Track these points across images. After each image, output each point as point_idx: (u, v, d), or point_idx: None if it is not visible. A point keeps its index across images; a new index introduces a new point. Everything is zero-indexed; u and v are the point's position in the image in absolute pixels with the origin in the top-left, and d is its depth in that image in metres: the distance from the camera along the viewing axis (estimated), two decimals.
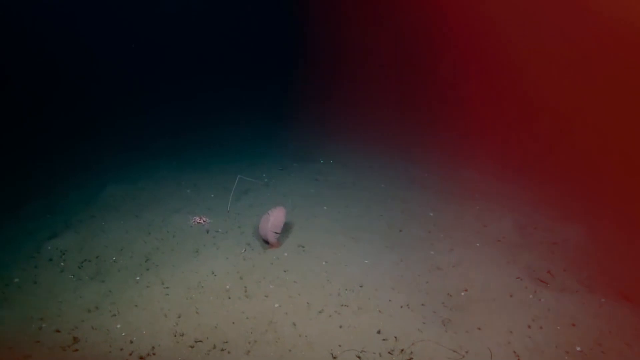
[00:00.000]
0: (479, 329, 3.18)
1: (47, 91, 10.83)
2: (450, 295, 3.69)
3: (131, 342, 2.94)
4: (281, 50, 15.22)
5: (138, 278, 3.76)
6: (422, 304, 3.53)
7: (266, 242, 4.33)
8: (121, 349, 2.86)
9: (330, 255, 4.14)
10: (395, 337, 3.10)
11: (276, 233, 4.20)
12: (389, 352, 2.97)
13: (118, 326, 3.08)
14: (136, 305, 3.33)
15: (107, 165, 6.65)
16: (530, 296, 3.47)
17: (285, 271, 3.84)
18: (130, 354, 2.82)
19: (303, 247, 4.32)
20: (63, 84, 11.48)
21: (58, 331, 2.99)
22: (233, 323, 3.15)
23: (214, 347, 2.92)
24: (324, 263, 4.00)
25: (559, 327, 3.07)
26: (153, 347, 2.89)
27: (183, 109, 10.56)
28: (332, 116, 9.79)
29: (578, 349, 2.88)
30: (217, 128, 9.07)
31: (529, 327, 3.11)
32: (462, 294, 3.70)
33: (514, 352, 2.87)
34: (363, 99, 11.00)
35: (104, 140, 7.95)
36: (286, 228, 4.48)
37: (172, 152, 7.43)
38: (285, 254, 4.13)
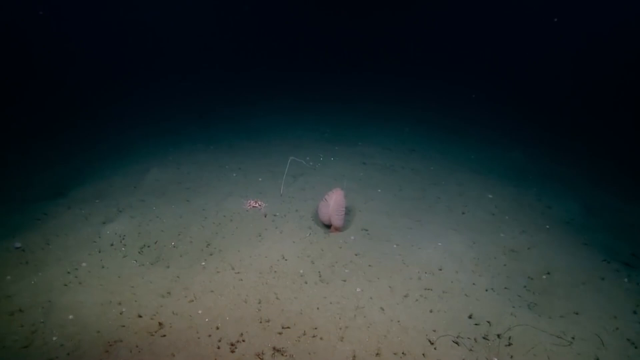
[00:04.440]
0: (577, 313, 3.00)
1: (86, 80, 10.77)
2: (532, 279, 3.52)
3: (217, 328, 2.80)
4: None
5: (203, 263, 3.61)
6: (506, 288, 3.37)
7: (327, 226, 4.17)
8: (209, 335, 2.73)
9: (399, 238, 3.97)
10: (489, 322, 2.95)
11: (340, 215, 4.02)
12: (484, 338, 2.82)
13: (199, 312, 2.95)
14: (212, 291, 3.19)
15: (149, 149, 6.49)
16: (625, 280, 3.28)
17: (356, 255, 3.68)
18: (220, 340, 2.69)
19: (367, 230, 4.16)
20: (100, 73, 11.42)
21: (140, 316, 2.86)
22: (318, 309, 3.00)
23: (304, 333, 2.78)
24: (394, 246, 3.84)
25: None
26: (241, 334, 2.75)
27: (214, 92, 10.37)
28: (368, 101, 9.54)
29: None
30: (251, 112, 8.86)
31: (635, 312, 2.93)
32: (544, 277, 3.52)
33: (628, 339, 2.69)
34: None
35: (140, 125, 7.80)
36: (345, 211, 4.31)
37: (208, 137, 7.25)
38: (352, 237, 3.96)
